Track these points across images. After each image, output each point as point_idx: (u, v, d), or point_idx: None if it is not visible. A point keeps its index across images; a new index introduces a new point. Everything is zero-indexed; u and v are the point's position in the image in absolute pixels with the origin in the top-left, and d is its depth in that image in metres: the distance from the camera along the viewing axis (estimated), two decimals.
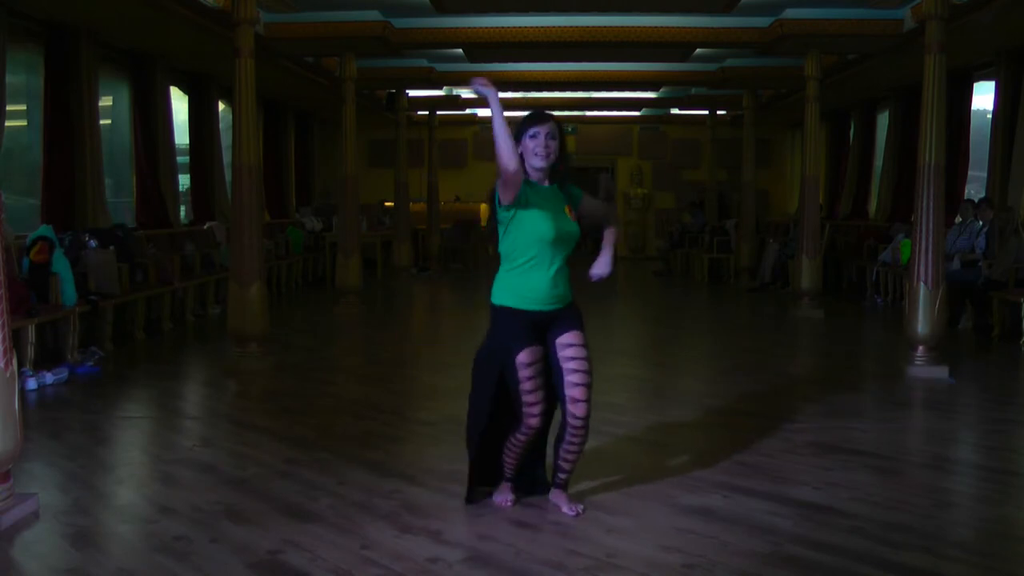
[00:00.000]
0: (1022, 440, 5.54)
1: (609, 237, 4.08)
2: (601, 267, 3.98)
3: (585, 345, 3.88)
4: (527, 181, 3.86)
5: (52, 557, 3.62)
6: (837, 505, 4.11)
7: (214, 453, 5.12)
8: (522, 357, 3.80)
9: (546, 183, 3.92)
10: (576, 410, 3.82)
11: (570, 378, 3.82)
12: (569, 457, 3.95)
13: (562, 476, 4.04)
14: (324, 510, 4.07)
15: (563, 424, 3.88)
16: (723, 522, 3.90)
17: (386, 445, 5.23)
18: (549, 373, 3.88)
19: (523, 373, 3.80)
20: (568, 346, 3.83)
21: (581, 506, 4.04)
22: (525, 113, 3.97)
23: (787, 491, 4.31)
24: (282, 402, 6.46)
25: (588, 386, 3.84)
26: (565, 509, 4.01)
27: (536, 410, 3.84)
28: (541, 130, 3.85)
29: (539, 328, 3.86)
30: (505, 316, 3.86)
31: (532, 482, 4.17)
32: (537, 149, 3.83)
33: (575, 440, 3.89)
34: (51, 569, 3.50)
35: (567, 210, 3.88)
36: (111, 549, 3.71)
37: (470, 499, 4.13)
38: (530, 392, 3.82)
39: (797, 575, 3.38)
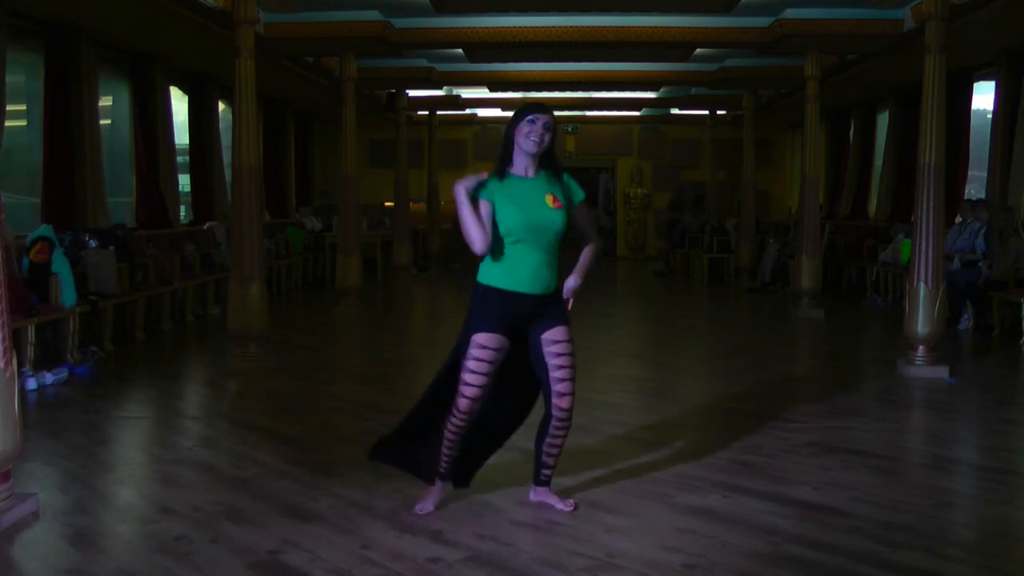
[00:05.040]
0: (1022, 440, 5.54)
1: (586, 255, 4.06)
2: (572, 281, 3.97)
3: (570, 340, 3.89)
4: (504, 177, 3.87)
5: (52, 557, 3.62)
6: (837, 505, 4.11)
7: (214, 453, 5.12)
8: (480, 338, 3.79)
9: (530, 174, 3.90)
10: (562, 403, 3.87)
11: (556, 373, 3.85)
12: (552, 451, 4.01)
13: (547, 472, 4.07)
14: (324, 510, 4.07)
15: (547, 418, 3.93)
16: (723, 522, 3.90)
17: None
18: (506, 372, 3.88)
19: (475, 352, 3.79)
20: (555, 342, 3.86)
21: (572, 501, 4.06)
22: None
23: (787, 491, 4.31)
24: (282, 402, 6.47)
25: (573, 380, 3.89)
26: (559, 506, 4.03)
27: (470, 392, 3.81)
28: (540, 117, 3.86)
29: (517, 319, 3.84)
30: (483, 294, 3.87)
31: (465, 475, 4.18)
32: (532, 135, 3.84)
33: (559, 434, 3.95)
34: (51, 569, 3.49)
35: (549, 198, 3.85)
36: (111, 549, 3.71)
37: (372, 455, 4.15)
38: (473, 372, 3.80)
39: (797, 575, 3.38)
